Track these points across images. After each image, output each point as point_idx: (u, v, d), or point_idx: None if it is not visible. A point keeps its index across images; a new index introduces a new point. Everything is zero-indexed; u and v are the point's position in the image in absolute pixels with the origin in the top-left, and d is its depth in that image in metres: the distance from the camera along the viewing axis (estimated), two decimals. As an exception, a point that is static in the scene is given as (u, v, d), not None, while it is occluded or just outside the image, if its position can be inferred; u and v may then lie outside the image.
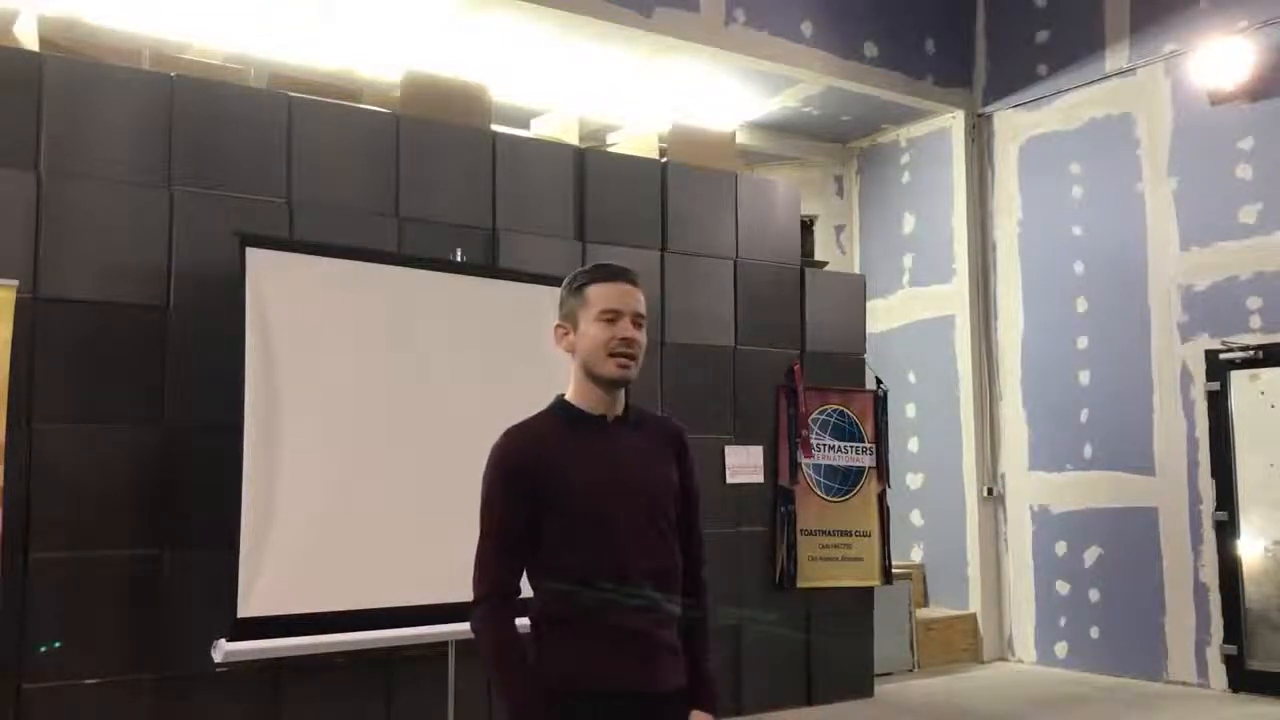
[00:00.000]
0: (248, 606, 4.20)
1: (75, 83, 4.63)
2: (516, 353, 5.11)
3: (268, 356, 4.37)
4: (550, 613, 2.21)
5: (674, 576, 2.28)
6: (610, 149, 6.92)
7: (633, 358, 2.25)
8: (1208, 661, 6.99)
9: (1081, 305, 7.85)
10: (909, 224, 8.95)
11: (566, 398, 2.34)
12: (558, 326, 2.34)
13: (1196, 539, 7.09)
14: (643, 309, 2.30)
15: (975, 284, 8.46)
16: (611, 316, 2.24)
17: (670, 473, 2.35)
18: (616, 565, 2.18)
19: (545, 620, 2.22)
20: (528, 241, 5.72)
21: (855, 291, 7.29)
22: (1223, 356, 7.02)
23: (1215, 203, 7.12)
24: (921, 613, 8.06)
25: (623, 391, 2.32)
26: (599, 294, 2.26)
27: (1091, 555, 7.68)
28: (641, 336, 2.29)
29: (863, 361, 7.16)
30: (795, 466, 6.54)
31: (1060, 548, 7.87)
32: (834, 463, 6.72)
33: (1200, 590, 7.04)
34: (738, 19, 7.28)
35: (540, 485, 2.20)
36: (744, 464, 6.40)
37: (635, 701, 2.18)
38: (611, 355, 2.24)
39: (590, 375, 2.28)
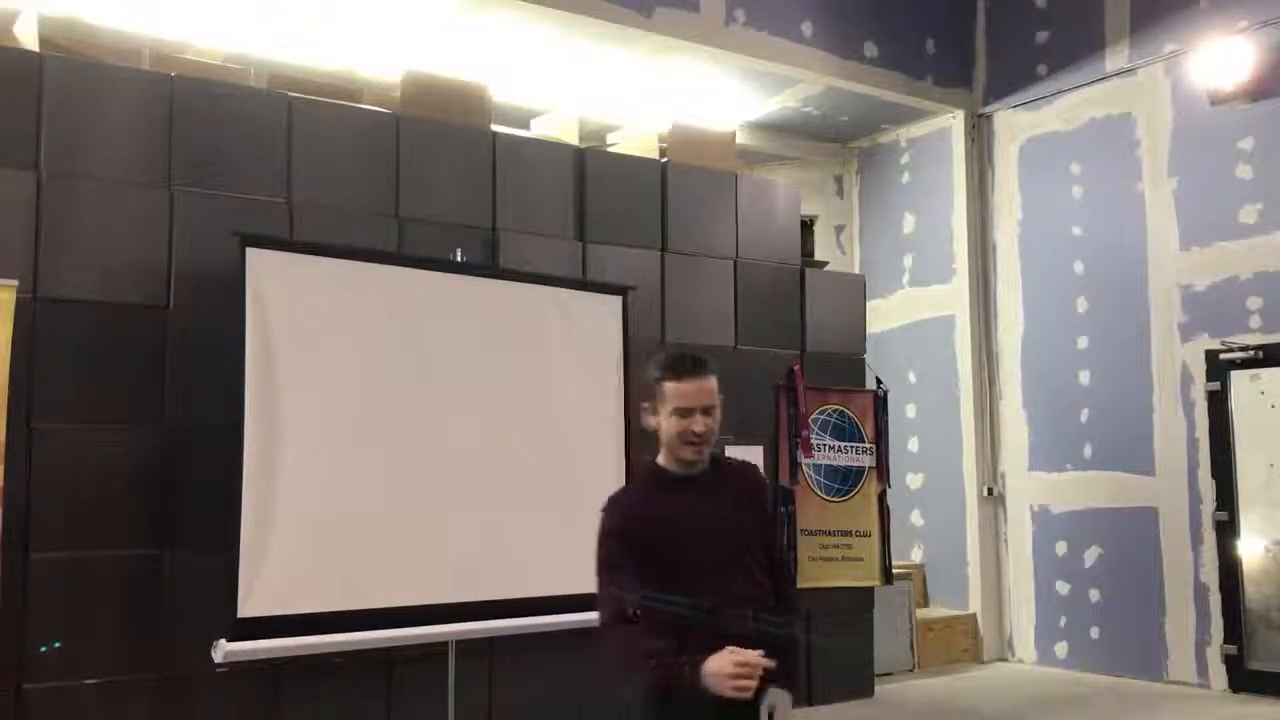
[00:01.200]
0: (248, 606, 4.21)
1: (75, 83, 4.63)
2: (516, 353, 5.12)
3: (268, 356, 4.38)
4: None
5: (756, 600, 2.64)
6: (610, 149, 6.92)
7: (704, 443, 2.66)
8: (1208, 661, 6.98)
9: (1081, 305, 7.85)
10: (909, 224, 8.95)
11: (659, 462, 2.75)
12: (644, 406, 2.74)
13: (1196, 539, 7.09)
14: (714, 399, 2.67)
15: (975, 284, 8.46)
16: (684, 413, 2.63)
17: (750, 514, 2.75)
18: (707, 596, 2.56)
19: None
20: (528, 241, 5.72)
21: (855, 291, 7.29)
22: (1223, 356, 7.01)
23: (1215, 203, 7.12)
24: (921, 613, 8.06)
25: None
26: (673, 392, 2.64)
27: (1091, 555, 7.67)
28: (712, 421, 2.66)
29: (863, 361, 7.16)
30: (795, 466, 6.54)
31: (1060, 548, 7.86)
32: (834, 463, 6.72)
33: (1200, 590, 7.04)
34: (738, 19, 7.27)
35: (639, 540, 2.61)
36: (744, 464, 6.39)
37: (724, 705, 2.44)
38: (686, 443, 2.65)
39: (671, 452, 2.70)
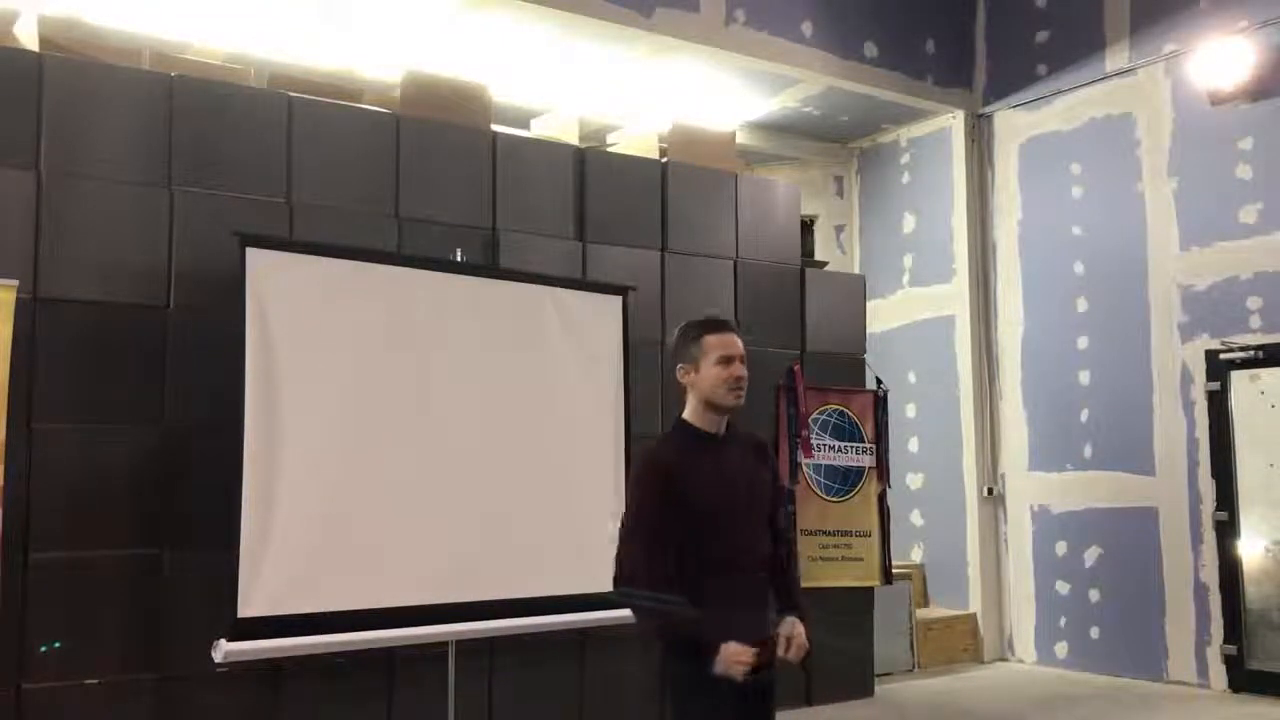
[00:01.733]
0: (248, 606, 4.21)
1: (75, 83, 4.63)
2: (516, 353, 5.12)
3: (268, 356, 4.37)
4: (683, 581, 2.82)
5: (766, 553, 2.97)
6: (610, 149, 6.92)
7: (743, 389, 2.95)
8: (1208, 661, 6.98)
9: (1081, 305, 7.85)
10: (909, 224, 8.95)
11: (686, 419, 3.00)
12: (681, 367, 3.00)
13: (1196, 539, 7.09)
14: (743, 350, 2.98)
15: (975, 284, 8.46)
16: (726, 360, 2.93)
17: (764, 475, 3.05)
18: (726, 545, 2.86)
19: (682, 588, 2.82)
20: (528, 241, 5.72)
21: (855, 291, 7.29)
22: (1223, 356, 7.01)
23: (1215, 203, 7.12)
24: (921, 613, 8.06)
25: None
26: (716, 342, 2.95)
27: (1091, 555, 7.67)
28: (746, 373, 2.96)
29: (863, 361, 7.16)
30: (795, 466, 6.54)
31: (1060, 548, 7.86)
32: (834, 463, 6.72)
33: (1200, 590, 7.04)
34: (738, 19, 7.27)
35: (675, 487, 2.85)
36: (744, 464, 6.38)
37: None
38: (730, 390, 2.92)
39: (711, 405, 2.95)
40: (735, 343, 2.97)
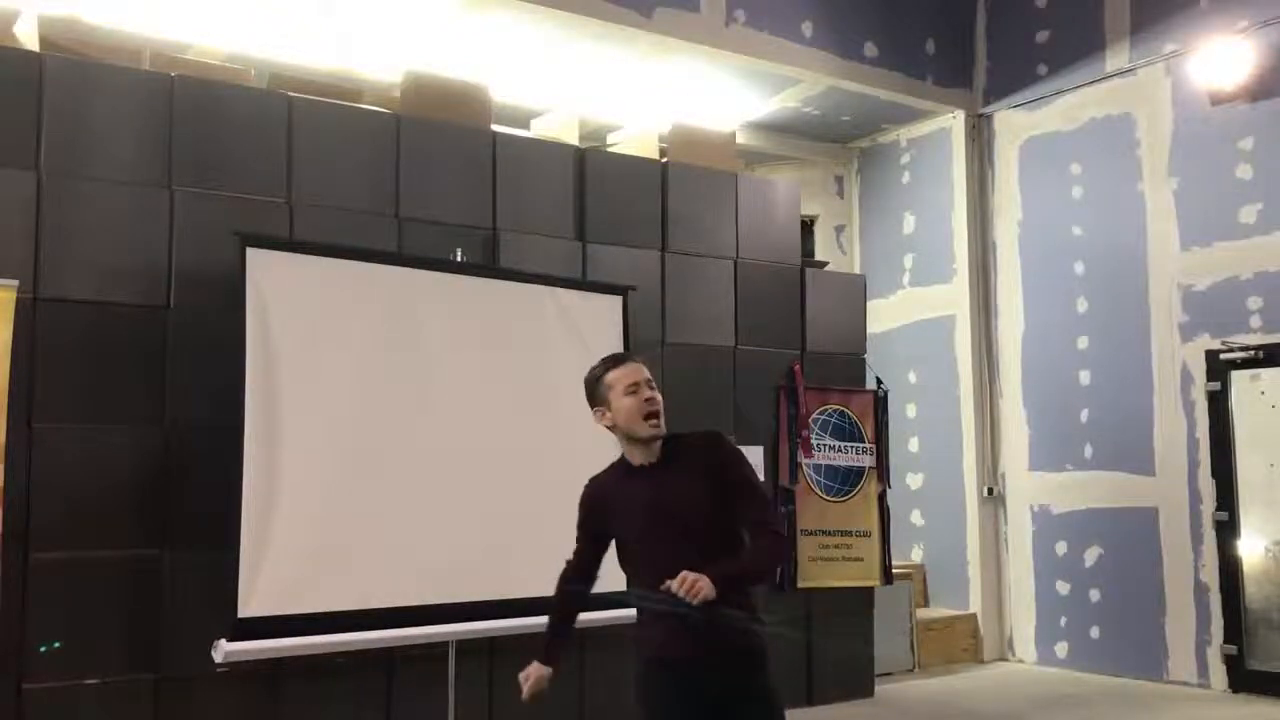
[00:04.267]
0: (248, 606, 4.21)
1: (75, 83, 4.63)
2: (516, 353, 5.12)
3: (268, 356, 4.38)
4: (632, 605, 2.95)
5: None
6: (610, 149, 6.92)
7: (659, 414, 2.89)
8: (1208, 661, 6.98)
9: (1081, 305, 7.85)
10: (909, 224, 8.95)
11: (624, 455, 2.99)
12: (595, 412, 2.96)
13: (1196, 539, 7.09)
14: (651, 376, 2.94)
15: (975, 284, 8.46)
16: (634, 389, 2.88)
17: (702, 492, 2.86)
18: (657, 574, 2.70)
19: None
20: (528, 241, 5.72)
21: (855, 291, 7.28)
22: (1223, 356, 7.01)
23: (1215, 203, 7.12)
24: (921, 613, 8.06)
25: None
26: (617, 377, 2.91)
27: (1091, 555, 7.67)
28: (659, 396, 2.91)
29: (863, 361, 7.16)
30: (795, 466, 6.54)
31: (1060, 548, 7.86)
32: (834, 463, 6.72)
33: (1200, 590, 7.04)
34: (738, 19, 7.27)
35: (600, 519, 3.03)
36: (744, 464, 6.38)
37: (677, 664, 2.84)
38: (645, 418, 2.88)
39: (631, 439, 2.92)
40: (638, 370, 2.93)
